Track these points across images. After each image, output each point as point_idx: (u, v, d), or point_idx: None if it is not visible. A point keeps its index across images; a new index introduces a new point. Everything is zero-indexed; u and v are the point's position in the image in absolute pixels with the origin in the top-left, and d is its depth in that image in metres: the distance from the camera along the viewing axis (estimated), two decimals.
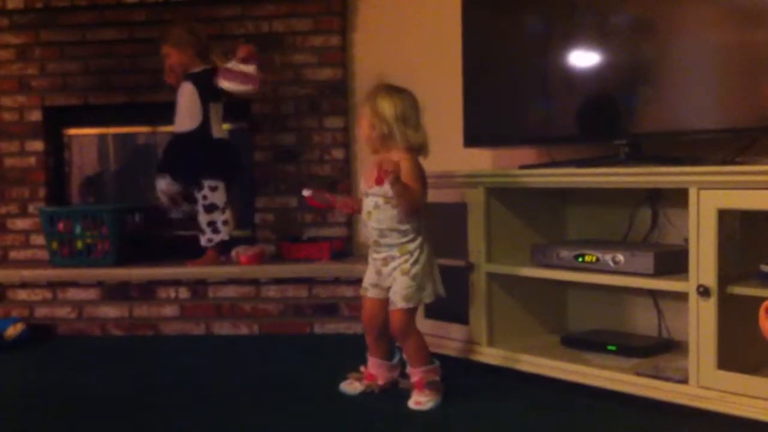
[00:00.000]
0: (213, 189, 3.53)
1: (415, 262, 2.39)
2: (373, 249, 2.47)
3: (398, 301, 2.39)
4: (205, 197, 3.53)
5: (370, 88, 2.45)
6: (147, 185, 3.76)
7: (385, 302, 2.47)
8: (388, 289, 2.44)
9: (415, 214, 2.38)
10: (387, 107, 2.38)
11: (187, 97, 3.50)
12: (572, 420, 2.24)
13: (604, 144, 2.69)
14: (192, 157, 3.52)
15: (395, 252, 2.41)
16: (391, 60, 3.62)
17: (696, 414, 2.15)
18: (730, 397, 2.09)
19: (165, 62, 3.53)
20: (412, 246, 2.39)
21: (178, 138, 3.55)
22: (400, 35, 3.66)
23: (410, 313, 2.42)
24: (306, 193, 2.54)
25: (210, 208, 3.53)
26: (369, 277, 2.51)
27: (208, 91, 3.50)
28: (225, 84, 3.43)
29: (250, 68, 3.41)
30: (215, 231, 3.56)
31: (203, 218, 3.55)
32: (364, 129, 2.44)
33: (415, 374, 2.42)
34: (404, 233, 2.40)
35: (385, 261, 2.43)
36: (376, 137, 2.40)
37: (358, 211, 2.52)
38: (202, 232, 3.58)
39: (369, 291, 2.50)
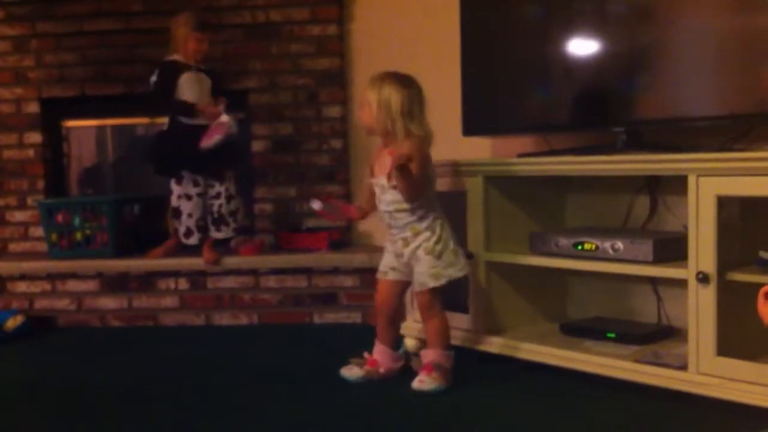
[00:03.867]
0: (231, 179, 3.55)
1: (438, 240, 2.41)
2: (389, 233, 2.50)
3: (428, 280, 2.41)
4: (227, 189, 3.51)
5: (375, 74, 2.44)
6: (145, 176, 3.74)
7: (402, 284, 2.50)
8: (408, 270, 2.46)
9: (420, 197, 2.39)
10: (393, 101, 2.38)
11: (208, 89, 3.48)
12: (572, 407, 2.25)
13: (603, 132, 2.69)
14: (222, 149, 3.42)
15: (408, 233, 2.43)
16: (389, 49, 3.61)
17: (695, 400, 2.16)
18: (730, 384, 2.09)
19: (203, 47, 3.43)
20: (422, 225, 2.41)
21: (201, 129, 3.41)
22: (398, 24, 3.65)
23: (437, 292, 2.44)
24: (315, 205, 2.54)
25: (231, 198, 3.52)
26: (387, 261, 2.53)
27: (220, 89, 3.54)
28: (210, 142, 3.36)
29: (223, 118, 3.38)
30: (235, 220, 3.55)
31: (226, 209, 3.50)
32: (366, 116, 2.44)
33: (428, 355, 2.44)
34: (412, 212, 2.41)
35: (405, 241, 2.44)
36: (379, 128, 2.41)
37: (365, 215, 2.58)
38: (226, 224, 3.51)
39: (389, 274, 2.52)
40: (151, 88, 3.44)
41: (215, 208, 3.50)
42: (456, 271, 2.44)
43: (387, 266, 2.53)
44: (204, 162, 3.43)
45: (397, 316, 2.54)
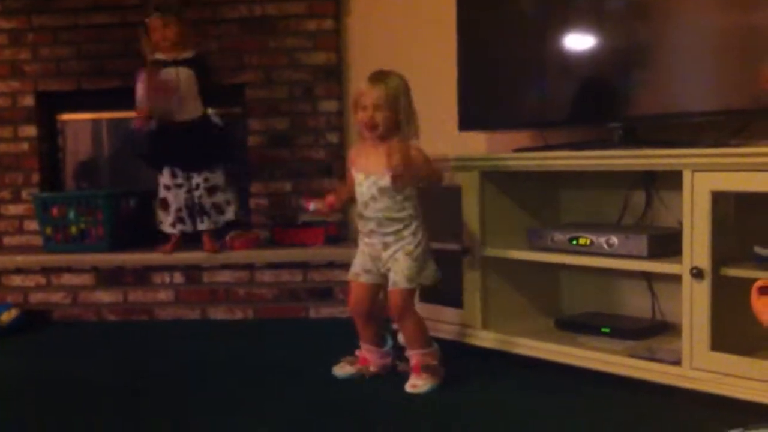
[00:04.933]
0: (213, 171, 3.52)
1: (418, 244, 2.41)
2: (365, 235, 2.47)
3: (401, 281, 2.40)
4: (207, 179, 3.50)
5: (372, 73, 2.41)
6: (141, 170, 3.74)
7: (375, 287, 2.49)
8: (383, 273, 2.45)
9: (416, 199, 2.43)
10: (401, 90, 2.37)
11: (188, 84, 3.43)
12: (566, 402, 2.25)
13: (599, 127, 2.69)
14: (201, 144, 3.46)
15: (390, 239, 2.42)
16: (385, 44, 3.61)
17: (689, 395, 2.16)
18: (724, 379, 2.10)
19: (161, 34, 3.38)
20: (407, 231, 2.41)
21: (181, 126, 3.44)
22: (394, 19, 3.64)
23: (410, 293, 2.43)
24: (311, 207, 2.60)
25: (213, 190, 3.52)
26: (361, 263, 2.50)
27: (208, 79, 3.49)
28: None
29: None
30: (220, 212, 3.55)
31: (207, 201, 3.51)
32: (381, 115, 2.36)
33: (414, 357, 2.43)
34: (401, 221, 2.41)
35: (385, 245, 2.43)
36: (385, 121, 2.37)
37: (341, 202, 2.59)
38: (207, 215, 3.52)
39: (361, 276, 2.50)
40: None
41: (195, 200, 3.52)
42: (425, 279, 2.45)
43: (361, 268, 2.50)
44: (177, 159, 3.48)
45: (375, 315, 2.53)
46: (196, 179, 3.50)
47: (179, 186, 3.51)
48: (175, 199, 3.50)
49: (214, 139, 3.51)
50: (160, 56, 3.42)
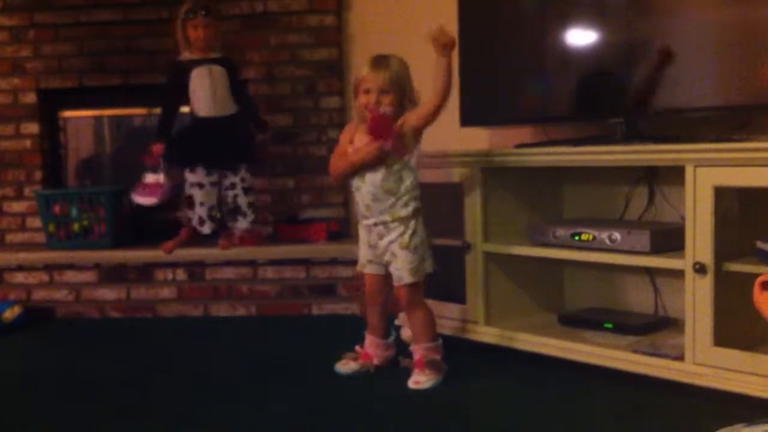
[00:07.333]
0: (248, 170, 3.54)
1: (414, 233, 2.39)
2: (363, 216, 2.45)
3: (406, 276, 2.39)
4: (243, 179, 3.51)
5: (370, 60, 2.41)
6: (143, 167, 3.74)
7: (384, 277, 2.48)
8: (385, 264, 2.44)
9: (447, 96, 2.33)
10: (403, 71, 2.38)
11: (222, 81, 3.45)
12: (569, 397, 2.25)
13: (601, 122, 2.69)
14: (234, 142, 3.47)
15: (386, 217, 2.38)
16: (387, 39, 3.60)
17: (692, 390, 2.16)
18: (726, 374, 2.10)
19: (200, 33, 3.39)
20: (404, 212, 2.38)
21: (214, 122, 3.45)
22: (395, 14, 3.64)
23: (417, 286, 2.42)
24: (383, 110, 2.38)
25: (249, 190, 3.53)
26: (364, 253, 2.50)
27: (238, 78, 3.53)
28: (138, 200, 3.50)
29: (159, 177, 3.47)
30: (254, 212, 3.56)
31: (243, 200, 3.52)
32: (380, 99, 2.35)
33: (417, 351, 2.43)
34: (396, 194, 2.37)
35: (380, 234, 2.42)
36: (392, 102, 2.36)
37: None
38: (243, 214, 3.53)
39: (367, 267, 2.51)
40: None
41: (230, 199, 3.52)
42: (429, 266, 2.44)
43: (365, 259, 2.50)
44: (216, 155, 3.46)
45: (388, 306, 2.53)
46: (232, 178, 3.50)
47: (213, 184, 3.51)
48: (207, 197, 3.50)
49: (249, 138, 3.53)
50: (186, 56, 3.45)
